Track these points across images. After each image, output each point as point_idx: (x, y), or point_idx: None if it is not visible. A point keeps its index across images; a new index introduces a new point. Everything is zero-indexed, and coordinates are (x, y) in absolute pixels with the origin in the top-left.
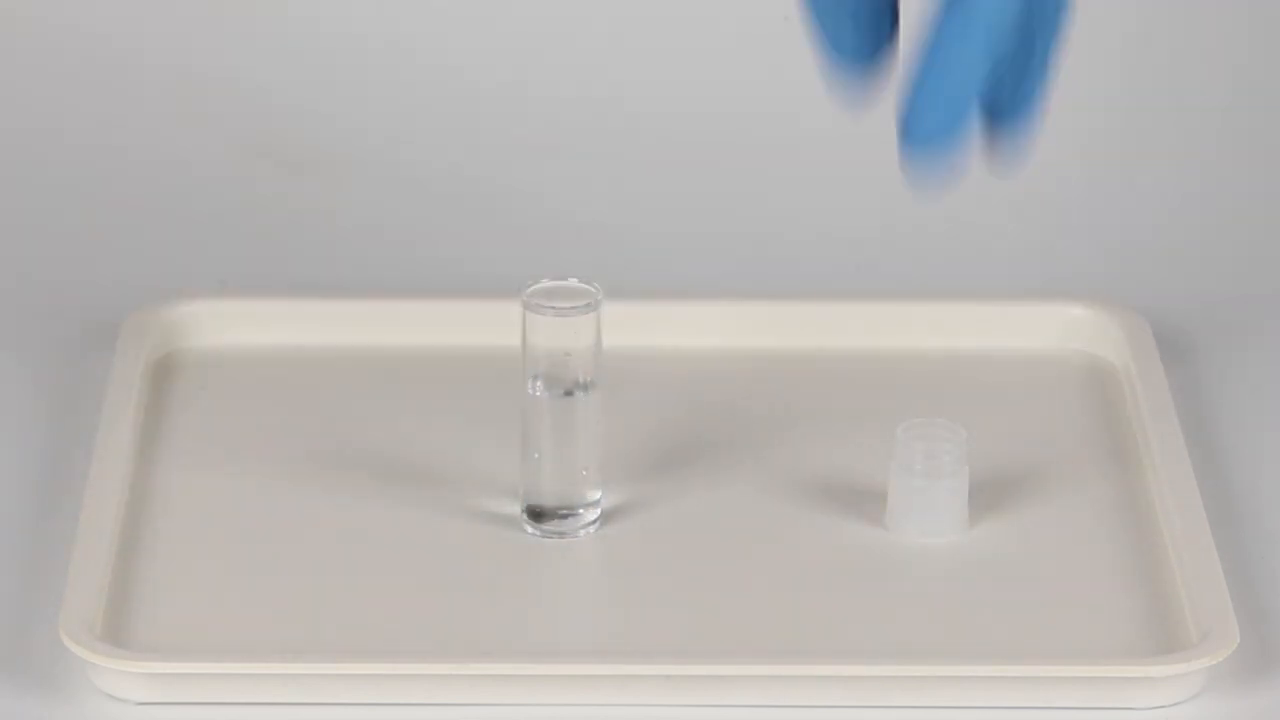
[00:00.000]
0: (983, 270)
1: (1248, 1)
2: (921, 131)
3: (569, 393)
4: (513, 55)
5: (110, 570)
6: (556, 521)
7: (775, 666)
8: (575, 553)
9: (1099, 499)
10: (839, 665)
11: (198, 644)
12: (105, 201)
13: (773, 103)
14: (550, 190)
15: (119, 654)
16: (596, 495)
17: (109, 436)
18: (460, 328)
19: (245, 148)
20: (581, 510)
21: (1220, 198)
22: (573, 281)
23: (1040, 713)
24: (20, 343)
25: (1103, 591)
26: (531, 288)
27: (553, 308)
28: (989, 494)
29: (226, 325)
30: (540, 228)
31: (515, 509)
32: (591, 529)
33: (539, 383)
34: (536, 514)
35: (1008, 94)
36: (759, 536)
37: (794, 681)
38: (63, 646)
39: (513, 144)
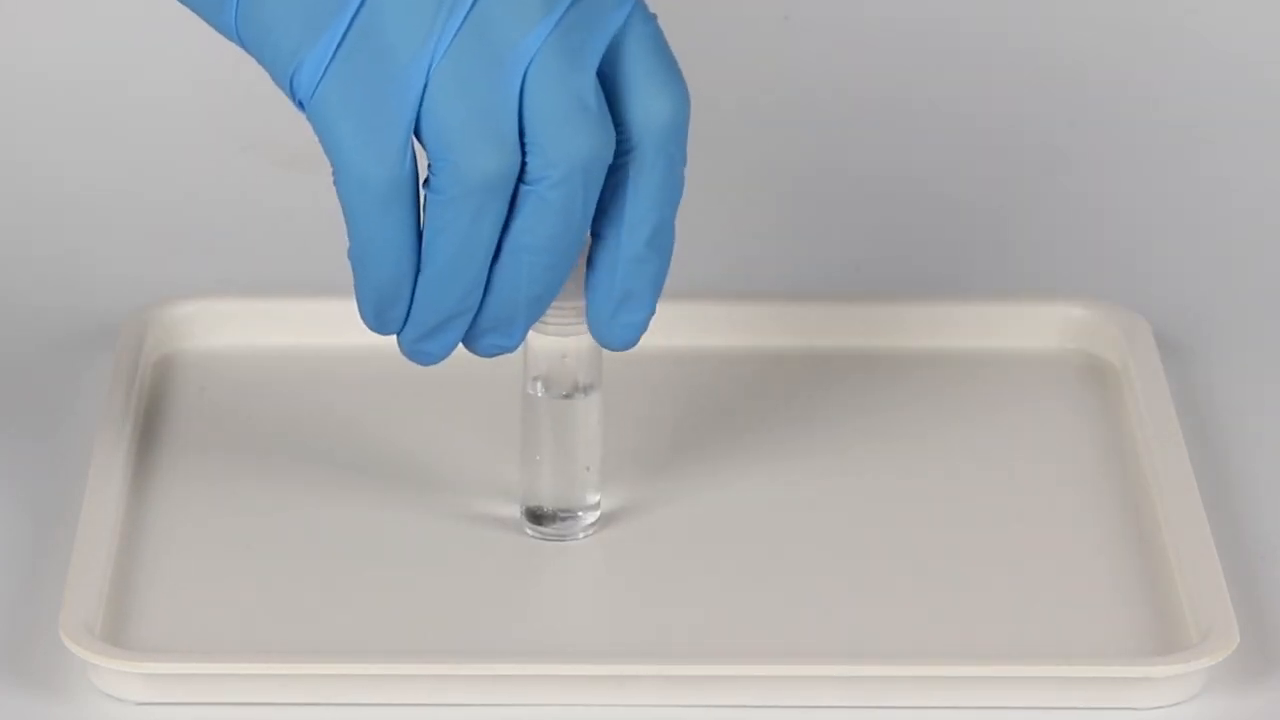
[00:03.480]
0: (983, 270)
1: (1251, 2)
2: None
3: (568, 395)
4: None
5: (110, 570)
6: (556, 524)
7: (775, 666)
8: (575, 554)
9: (1099, 499)
10: (839, 665)
11: (198, 644)
12: (105, 201)
13: (771, 102)
14: None
15: (119, 654)
16: (596, 497)
17: (108, 436)
18: None
19: (244, 145)
20: (581, 513)
21: (1220, 198)
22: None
23: (1041, 713)
24: (20, 343)
25: (1103, 592)
26: None
27: (554, 308)
28: (989, 493)
29: (226, 325)
30: None
31: (515, 511)
32: (591, 530)
33: (539, 384)
34: (536, 516)
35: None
36: (758, 537)
37: (794, 681)
38: (63, 646)
39: None
